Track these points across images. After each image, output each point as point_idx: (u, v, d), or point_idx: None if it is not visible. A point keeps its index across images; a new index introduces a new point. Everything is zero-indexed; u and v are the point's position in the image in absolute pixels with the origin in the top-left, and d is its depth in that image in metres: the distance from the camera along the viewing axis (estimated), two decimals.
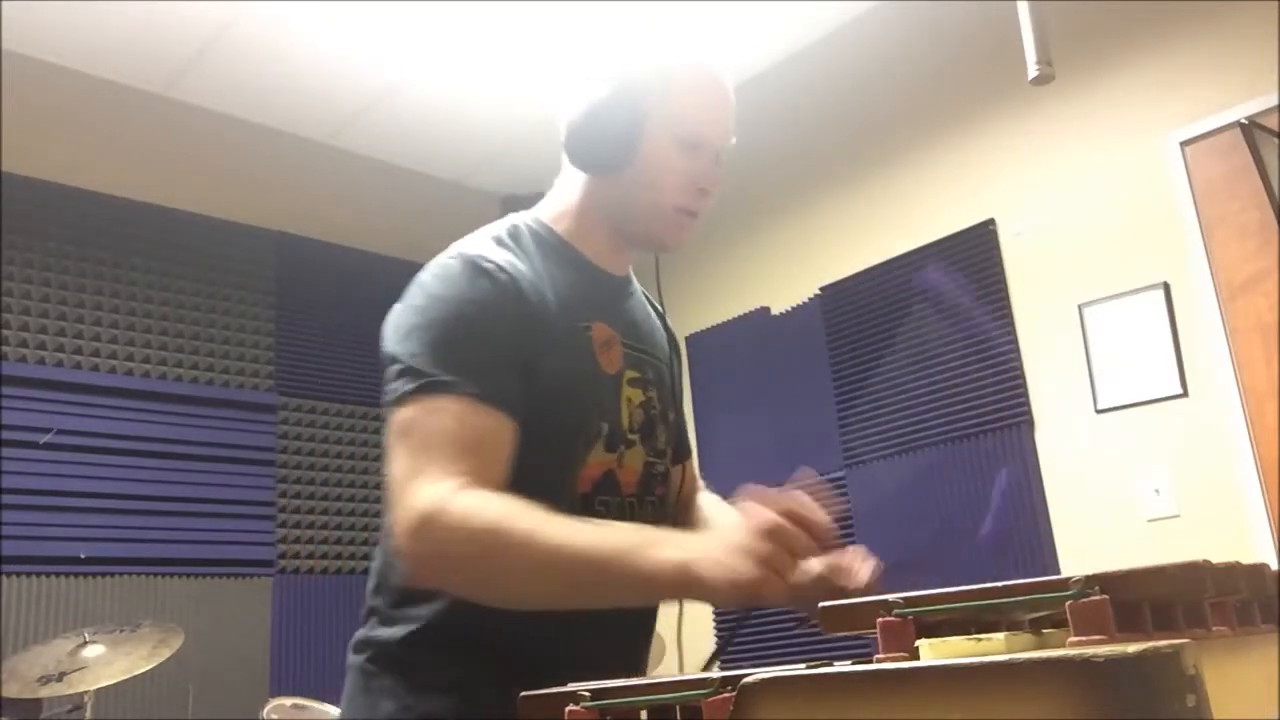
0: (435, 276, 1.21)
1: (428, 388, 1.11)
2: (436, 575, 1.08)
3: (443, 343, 1.14)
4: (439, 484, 1.05)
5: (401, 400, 1.12)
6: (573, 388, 1.20)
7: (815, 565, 1.17)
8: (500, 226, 1.28)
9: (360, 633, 1.29)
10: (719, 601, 1.01)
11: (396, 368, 1.14)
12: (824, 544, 1.03)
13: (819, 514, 1.03)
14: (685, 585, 1.00)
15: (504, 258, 1.20)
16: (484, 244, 1.23)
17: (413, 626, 1.19)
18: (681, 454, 1.41)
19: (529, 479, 1.12)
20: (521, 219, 1.31)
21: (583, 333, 1.23)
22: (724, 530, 1.04)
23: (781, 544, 0.99)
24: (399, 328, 1.18)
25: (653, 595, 1.06)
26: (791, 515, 1.01)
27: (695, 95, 1.26)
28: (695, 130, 1.25)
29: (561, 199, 1.32)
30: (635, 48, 1.28)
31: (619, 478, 1.24)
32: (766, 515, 1.00)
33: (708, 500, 1.49)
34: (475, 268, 1.18)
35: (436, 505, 1.04)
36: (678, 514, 1.41)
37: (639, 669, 1.30)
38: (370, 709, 1.19)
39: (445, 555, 1.04)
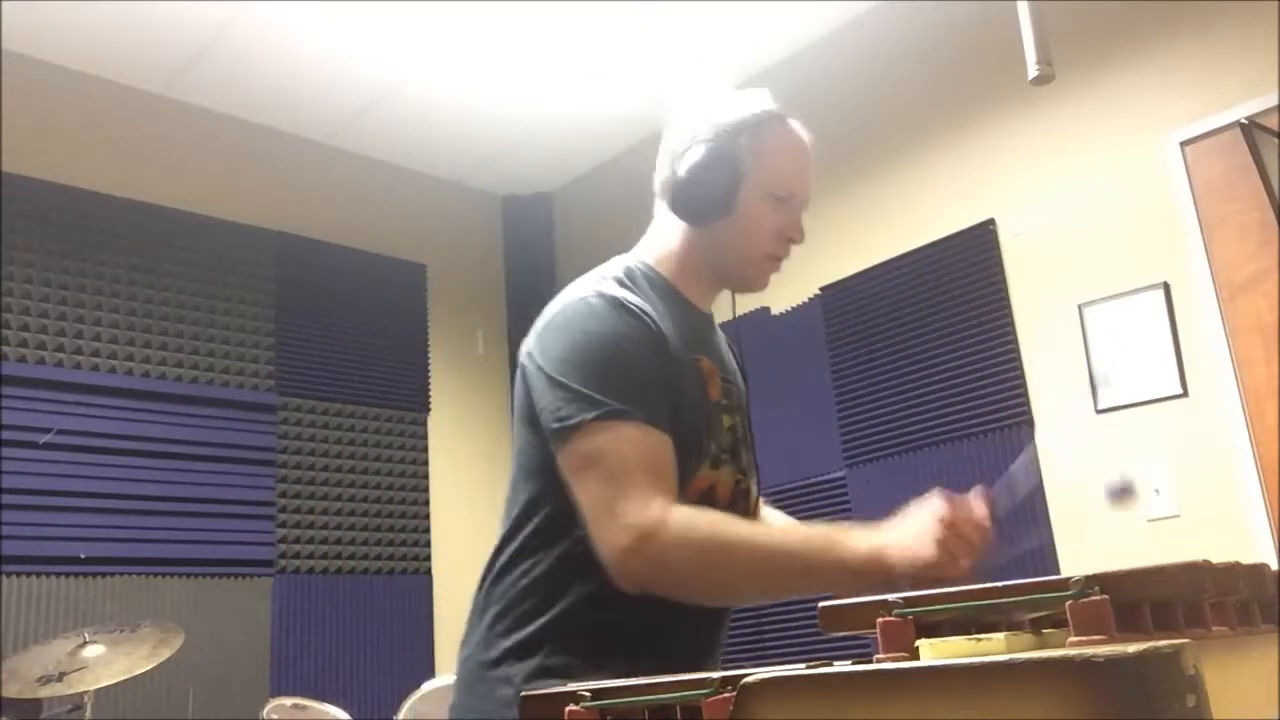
0: (584, 316, 1.32)
1: (609, 415, 1.24)
2: (662, 584, 1.23)
3: (611, 373, 1.28)
4: (649, 503, 1.21)
5: (583, 428, 1.25)
6: (693, 413, 1.34)
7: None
8: (615, 269, 1.42)
9: (475, 641, 1.38)
10: (912, 580, 1.16)
11: (566, 395, 1.27)
12: (985, 539, 1.22)
13: (985, 516, 1.22)
14: (879, 569, 1.17)
15: (632, 299, 1.34)
16: (612, 285, 1.36)
17: (531, 627, 1.31)
18: (758, 475, 1.54)
19: None
20: (629, 261, 1.45)
21: (695, 364, 1.39)
22: (908, 520, 1.21)
23: (957, 530, 1.17)
24: (562, 360, 1.30)
25: (852, 581, 1.18)
26: (968, 513, 1.20)
27: (784, 155, 1.43)
28: (785, 186, 1.42)
29: (662, 244, 1.47)
30: (726, 106, 1.43)
31: (717, 492, 1.38)
32: (943, 506, 1.18)
33: (771, 513, 1.66)
34: (622, 307, 1.32)
35: (655, 523, 1.20)
36: None
37: (716, 655, 1.45)
38: (486, 694, 1.30)
39: (671, 566, 1.21)
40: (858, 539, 1.19)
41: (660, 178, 1.45)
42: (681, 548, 1.20)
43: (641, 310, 1.32)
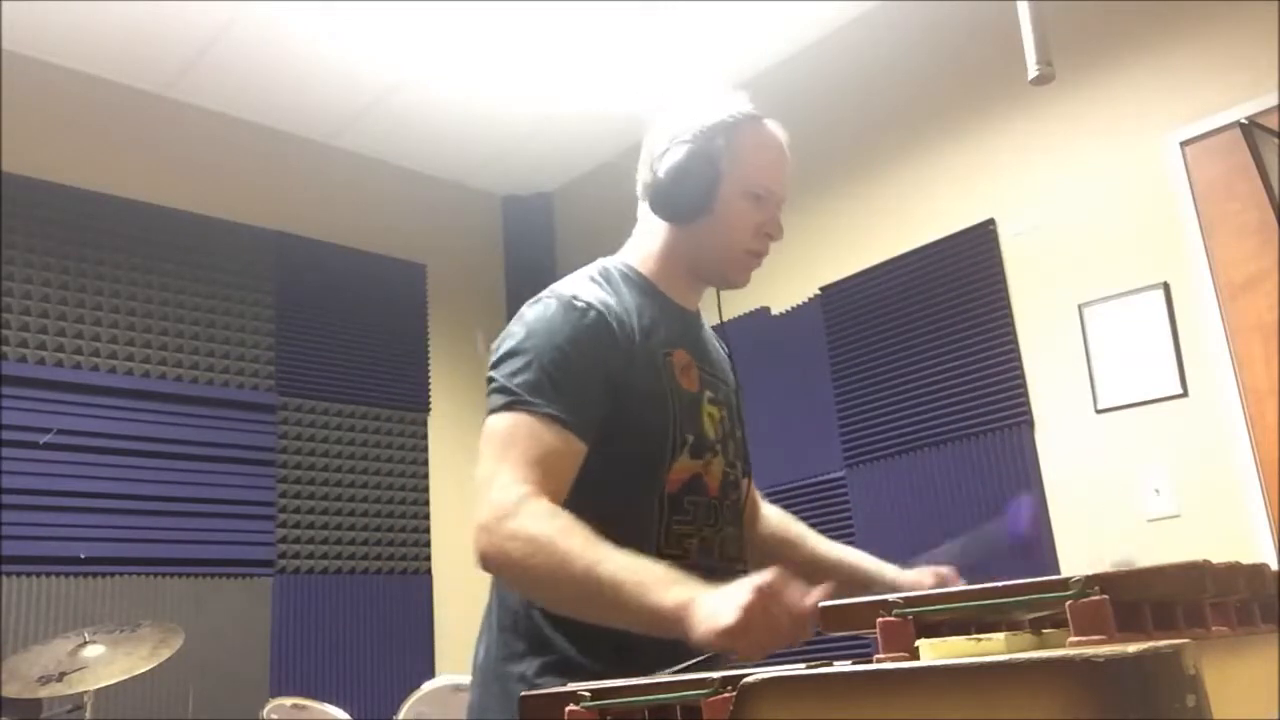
0: (535, 314, 1.39)
1: (513, 405, 1.30)
2: (495, 568, 1.24)
3: (534, 368, 1.32)
4: (515, 487, 1.24)
5: (494, 414, 1.32)
6: (655, 403, 1.37)
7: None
8: (593, 268, 1.48)
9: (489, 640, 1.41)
10: (704, 643, 1.11)
11: (492, 386, 1.35)
12: (798, 633, 1.11)
13: (806, 610, 1.11)
14: (678, 623, 1.12)
15: (595, 294, 1.39)
16: (579, 284, 1.42)
17: (537, 621, 1.33)
18: (749, 468, 1.56)
19: (623, 481, 1.34)
20: (610, 263, 1.50)
21: (664, 357, 1.41)
22: (734, 585, 1.12)
23: (767, 607, 1.08)
24: (497, 355, 1.38)
25: (654, 627, 1.15)
26: (782, 591, 1.10)
27: (760, 154, 1.47)
28: (761, 185, 1.46)
29: (645, 245, 1.51)
30: (703, 109, 1.47)
31: (706, 481, 1.41)
32: (767, 580, 1.09)
33: (770, 511, 1.69)
34: (567, 305, 1.37)
35: (505, 510, 1.22)
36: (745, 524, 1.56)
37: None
38: (502, 693, 1.32)
39: (503, 553, 1.21)
40: (677, 589, 1.14)
41: (641, 180, 1.50)
42: (520, 537, 1.20)
43: (593, 305, 1.36)
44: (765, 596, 1.08)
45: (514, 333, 1.38)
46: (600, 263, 1.50)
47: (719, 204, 1.43)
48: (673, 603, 1.13)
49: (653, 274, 1.49)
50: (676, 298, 1.50)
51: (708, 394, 1.45)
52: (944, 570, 1.51)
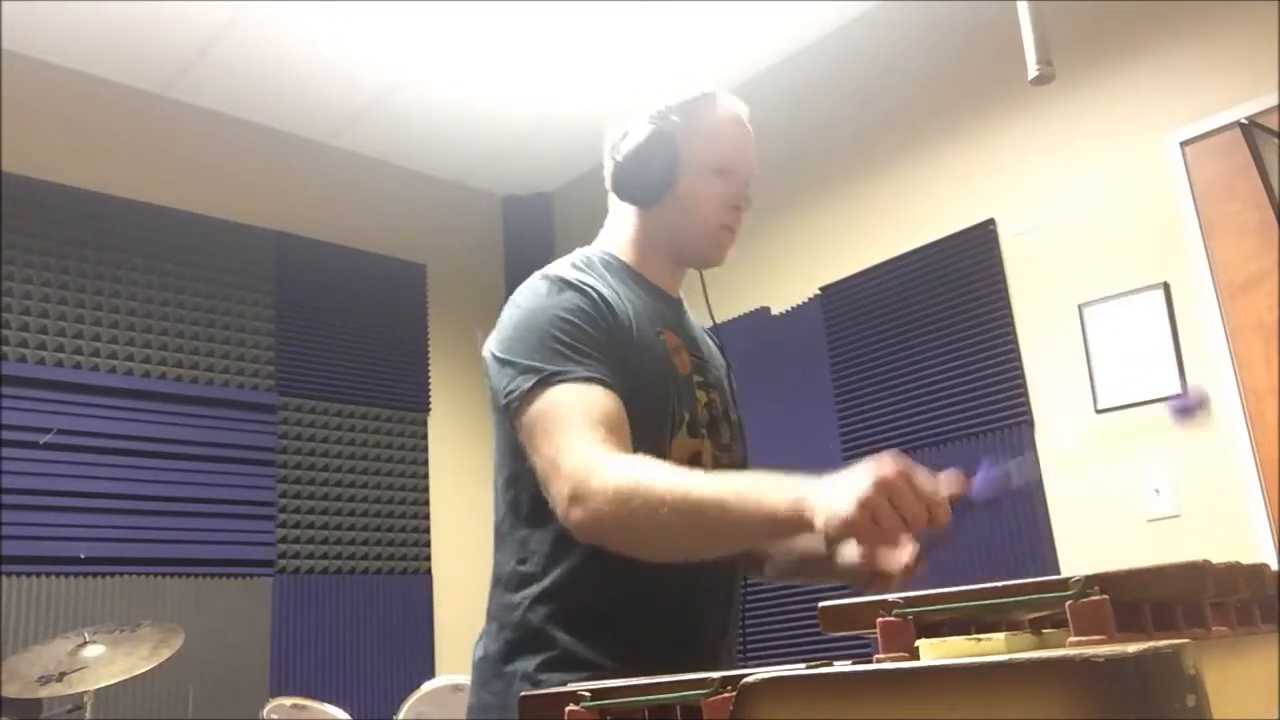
0: (527, 296, 1.37)
1: (547, 379, 1.26)
2: (597, 533, 1.19)
3: (550, 342, 1.29)
4: (584, 450, 1.20)
5: (527, 396, 1.27)
6: (656, 380, 1.36)
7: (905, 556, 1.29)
8: (574, 257, 1.46)
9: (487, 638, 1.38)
10: (828, 537, 1.06)
11: (510, 372, 1.31)
12: (932, 520, 1.05)
13: (940, 493, 1.06)
14: (798, 520, 1.08)
15: (582, 277, 1.37)
16: (563, 268, 1.40)
17: (534, 618, 1.30)
18: (745, 451, 1.53)
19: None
20: (589, 251, 1.48)
21: (658, 337, 1.40)
22: (847, 474, 1.07)
23: (890, 495, 1.03)
24: (503, 341, 1.35)
25: (774, 530, 1.13)
26: (912, 481, 1.04)
27: (718, 128, 1.45)
28: (723, 157, 1.44)
29: (619, 232, 1.51)
30: (660, 91, 1.47)
31: (704, 461, 1.39)
32: (888, 467, 1.04)
33: None
34: (563, 283, 1.35)
35: (586, 473, 1.18)
36: None
37: (730, 635, 1.42)
38: (501, 691, 1.30)
39: (600, 515, 1.16)
40: (784, 489, 1.11)
41: (606, 170, 1.49)
42: (610, 493, 1.16)
43: (585, 284, 1.35)
44: (886, 488, 1.02)
45: (513, 318, 1.36)
46: (579, 252, 1.48)
47: (682, 182, 1.42)
48: (786, 503, 1.09)
49: (633, 260, 1.48)
50: (659, 282, 1.49)
51: (697, 378, 1.44)
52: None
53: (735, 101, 1.49)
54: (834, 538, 1.06)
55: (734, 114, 1.48)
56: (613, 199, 1.51)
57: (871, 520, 1.02)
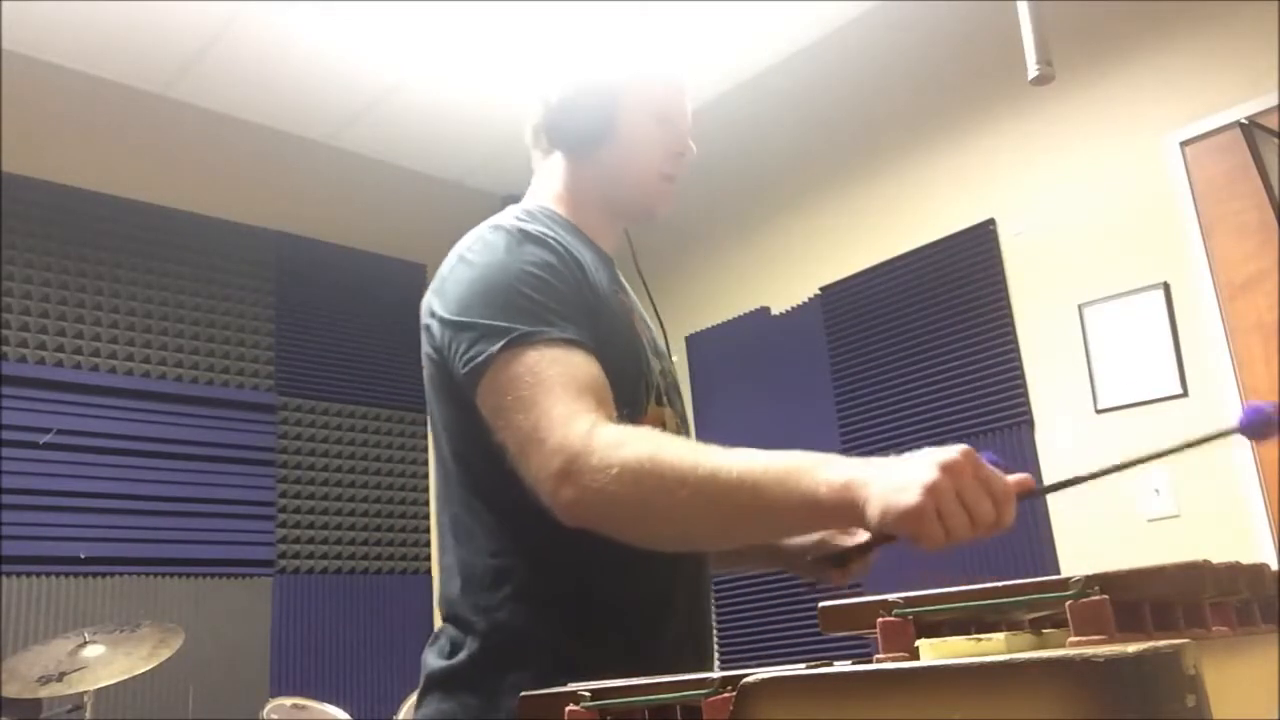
0: (481, 251, 1.21)
1: (517, 340, 1.10)
2: (597, 515, 1.03)
3: (517, 298, 1.13)
4: (576, 420, 1.04)
5: (491, 361, 1.10)
6: (628, 344, 1.25)
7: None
8: (516, 209, 1.31)
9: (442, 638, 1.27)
10: (878, 530, 0.93)
11: (470, 335, 1.13)
12: (999, 522, 0.92)
13: (1010, 492, 0.93)
14: (846, 508, 0.93)
15: (543, 230, 1.23)
16: (510, 220, 1.25)
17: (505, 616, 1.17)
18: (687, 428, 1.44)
19: None
20: (527, 205, 1.34)
21: (616, 296, 1.29)
22: (906, 458, 0.93)
23: (958, 486, 0.89)
24: (457, 301, 1.18)
25: (815, 519, 0.99)
26: (982, 473, 0.91)
27: (656, 73, 1.37)
28: (664, 102, 1.35)
29: (550, 186, 1.38)
30: (593, 44, 1.39)
31: (670, 431, 1.26)
32: (956, 452, 0.91)
33: None
34: (523, 234, 1.21)
35: (583, 446, 1.02)
36: None
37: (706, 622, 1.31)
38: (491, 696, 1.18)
39: (603, 493, 1.00)
40: (830, 469, 0.96)
41: (532, 125, 1.38)
42: (616, 469, 0.99)
43: (547, 236, 1.22)
44: (955, 475, 0.89)
45: (466, 276, 1.19)
46: (517, 207, 1.33)
47: (622, 127, 1.31)
48: (834, 486, 0.93)
49: (569, 214, 1.34)
50: (595, 238, 1.35)
51: (646, 339, 1.32)
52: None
53: (667, 47, 1.42)
54: (889, 532, 0.92)
55: (671, 62, 1.39)
56: (537, 155, 1.40)
57: (934, 521, 0.88)
